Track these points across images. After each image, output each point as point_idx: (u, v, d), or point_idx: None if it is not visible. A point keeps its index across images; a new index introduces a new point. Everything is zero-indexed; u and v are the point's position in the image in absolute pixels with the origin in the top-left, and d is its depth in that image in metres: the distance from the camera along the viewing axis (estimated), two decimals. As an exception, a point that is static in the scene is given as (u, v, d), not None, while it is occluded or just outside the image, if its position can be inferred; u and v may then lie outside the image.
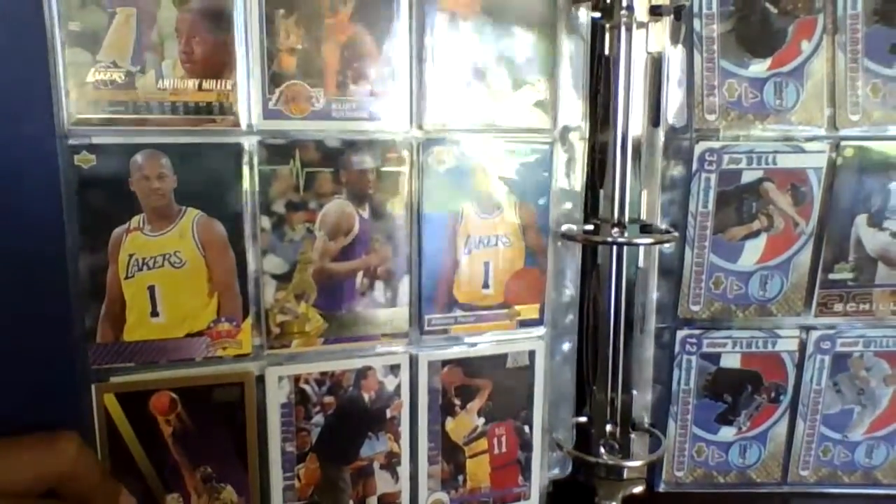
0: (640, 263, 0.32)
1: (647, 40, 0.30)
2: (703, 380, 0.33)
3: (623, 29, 0.29)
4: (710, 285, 0.32)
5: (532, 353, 0.31)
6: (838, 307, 0.33)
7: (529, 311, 0.30)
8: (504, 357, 0.30)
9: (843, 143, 0.30)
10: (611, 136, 0.30)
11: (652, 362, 0.33)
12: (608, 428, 0.33)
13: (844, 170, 0.31)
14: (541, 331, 0.30)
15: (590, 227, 0.31)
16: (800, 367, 0.33)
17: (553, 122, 0.29)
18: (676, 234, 0.31)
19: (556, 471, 0.33)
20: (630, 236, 0.30)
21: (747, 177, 0.31)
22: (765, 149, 0.30)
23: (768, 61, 0.30)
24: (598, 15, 0.29)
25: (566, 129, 0.30)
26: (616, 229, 0.30)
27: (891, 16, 0.30)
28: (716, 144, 0.30)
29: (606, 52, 0.30)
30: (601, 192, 0.32)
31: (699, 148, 0.30)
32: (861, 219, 0.31)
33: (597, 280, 0.33)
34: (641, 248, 0.32)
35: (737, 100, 0.30)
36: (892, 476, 0.34)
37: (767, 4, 0.30)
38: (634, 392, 0.33)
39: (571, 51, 0.29)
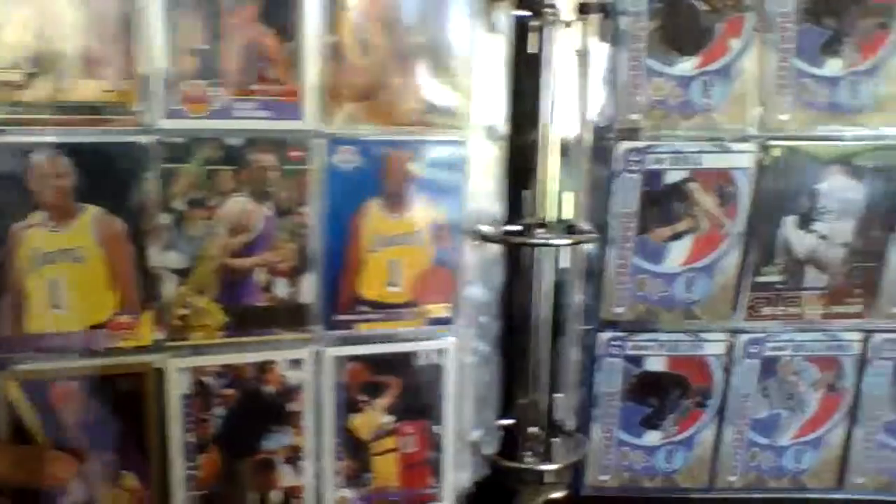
0: (565, 265, 0.39)
1: (573, 39, 0.35)
2: (628, 383, 0.40)
3: (549, 27, 0.34)
4: (634, 287, 0.38)
5: (442, 352, 0.38)
6: (767, 310, 0.39)
7: (439, 309, 0.36)
8: (413, 355, 0.37)
9: (770, 143, 0.36)
10: (535, 136, 0.36)
11: (576, 365, 0.40)
12: (532, 431, 0.41)
13: (772, 170, 0.36)
14: (451, 330, 0.37)
15: (511, 227, 0.37)
16: (727, 371, 0.40)
17: (466, 121, 0.35)
18: (595, 234, 0.37)
19: (471, 473, 0.40)
20: (547, 237, 0.36)
21: (672, 177, 0.36)
22: (690, 149, 0.36)
23: (695, 59, 0.35)
24: (523, 14, 0.35)
25: (481, 129, 0.36)
26: (541, 230, 0.37)
27: (821, 15, 0.36)
28: (639, 144, 0.36)
29: (531, 50, 0.35)
30: (525, 192, 0.38)
31: (622, 148, 0.36)
32: (789, 220, 0.37)
33: (519, 281, 0.39)
34: (566, 250, 0.38)
35: (662, 99, 0.36)
36: (819, 481, 0.41)
37: (695, 2, 0.35)
38: (558, 395, 0.40)
39: (490, 49, 0.35)
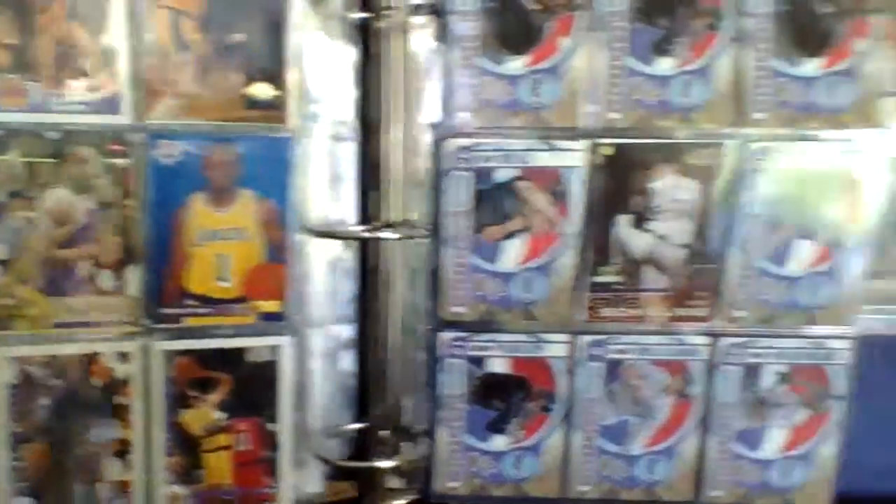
0: (410, 264, 0.41)
1: (408, 39, 0.38)
2: (472, 385, 0.42)
3: (387, 28, 0.37)
4: (472, 286, 0.40)
5: (276, 349, 0.40)
6: (607, 312, 0.40)
7: (271, 305, 0.39)
8: (244, 351, 0.39)
9: (601, 141, 0.39)
10: (378, 137, 0.39)
11: (422, 367, 0.42)
12: (381, 435, 0.43)
13: (603, 169, 0.38)
14: (284, 326, 0.39)
15: (352, 225, 0.40)
16: (570, 374, 0.41)
17: (293, 119, 0.37)
18: (423, 230, 0.39)
19: (319, 476, 0.43)
20: (373, 232, 0.39)
21: (502, 175, 0.39)
22: (519, 147, 0.39)
23: (525, 58, 0.38)
24: (363, 15, 0.38)
25: (327, 127, 0.39)
26: (386, 230, 0.39)
27: (653, 15, 0.38)
28: (468, 142, 0.38)
29: (370, 50, 0.38)
30: (372, 193, 0.40)
31: (452, 146, 0.39)
32: (623, 220, 0.39)
33: (368, 281, 0.42)
34: (412, 249, 0.40)
35: (492, 97, 0.38)
36: (675, 493, 0.42)
37: (525, 1, 0.38)
38: (402, 398, 0.42)
39: (324, 48, 0.38)
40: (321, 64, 0.38)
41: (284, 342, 0.39)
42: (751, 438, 0.41)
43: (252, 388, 0.39)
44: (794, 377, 0.40)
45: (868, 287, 0.39)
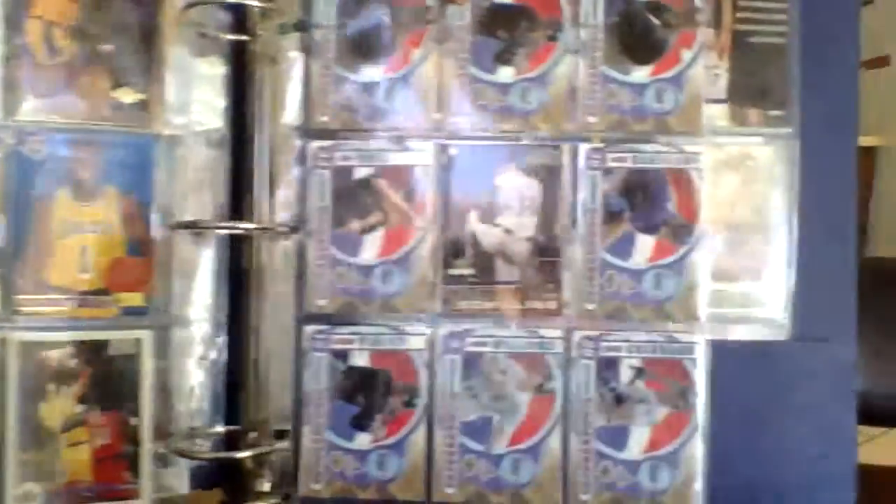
0: (275, 259, 0.43)
1: (276, 55, 0.42)
2: (336, 380, 0.42)
3: (257, 46, 0.42)
4: (334, 279, 0.42)
5: (138, 343, 0.41)
6: (464, 304, 0.41)
7: (133, 299, 0.41)
8: (105, 343, 0.40)
9: (449, 142, 0.41)
10: (246, 141, 0.42)
11: (288, 361, 0.43)
12: (252, 436, 0.43)
13: (451, 168, 0.41)
14: (147, 320, 0.41)
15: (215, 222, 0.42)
16: (430, 367, 0.42)
17: (158, 123, 0.41)
18: (287, 226, 0.41)
19: (185, 475, 0.42)
20: (234, 226, 0.41)
21: (359, 173, 0.42)
22: (374, 147, 0.42)
23: (381, 67, 0.42)
24: (237, 38, 0.42)
25: (183, 132, 0.42)
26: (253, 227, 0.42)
27: (495, 28, 0.42)
28: (328, 143, 0.42)
29: (243, 63, 0.42)
30: (244, 193, 0.43)
31: (313, 146, 0.42)
32: (473, 215, 0.41)
33: (238, 277, 0.43)
34: (278, 245, 0.42)
35: (350, 102, 0.42)
36: (543, 496, 0.41)
37: (382, 17, 0.42)
38: (272, 395, 0.43)
39: (196, 60, 0.42)
40: (194, 74, 0.42)
41: (146, 336, 0.41)
42: (614, 437, 0.41)
43: (113, 382, 0.40)
44: (651, 371, 0.41)
45: (722, 289, 0.41)
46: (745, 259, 0.41)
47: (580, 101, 0.41)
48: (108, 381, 0.40)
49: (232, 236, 0.43)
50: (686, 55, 0.41)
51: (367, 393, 0.42)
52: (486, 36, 0.41)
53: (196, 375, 0.43)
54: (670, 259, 0.40)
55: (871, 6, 2.31)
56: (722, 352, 0.41)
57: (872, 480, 0.67)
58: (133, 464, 0.40)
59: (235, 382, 0.43)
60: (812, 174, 0.41)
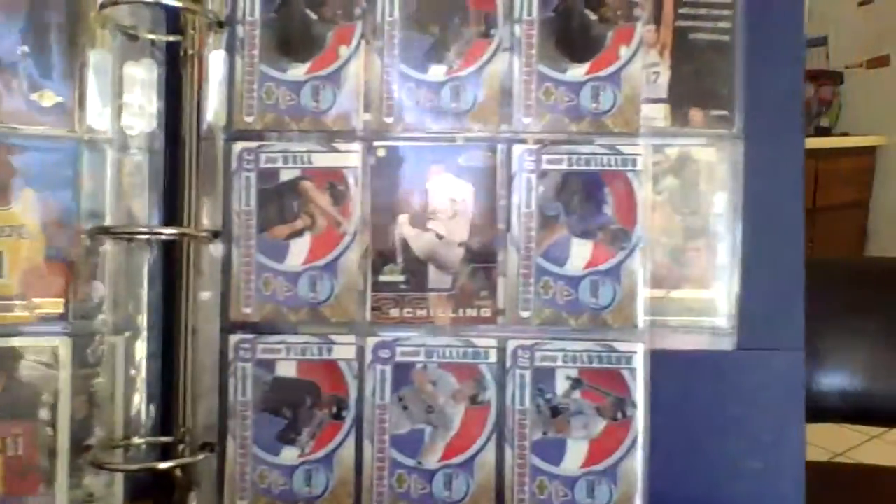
0: (204, 266, 0.42)
1: (205, 53, 0.41)
2: (261, 391, 0.41)
3: (187, 46, 0.41)
4: (260, 286, 0.41)
5: (55, 350, 0.40)
6: (394, 312, 0.40)
7: (51, 305, 0.39)
8: (20, 351, 0.39)
9: (377, 143, 0.40)
10: (178, 144, 0.41)
11: (213, 371, 0.41)
12: (181, 447, 0.41)
13: (380, 170, 0.40)
14: (66, 328, 0.39)
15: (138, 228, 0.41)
16: (360, 378, 0.40)
17: (79, 125, 0.40)
18: (209, 232, 0.40)
19: (103, 484, 0.41)
20: (154, 231, 0.40)
21: (285, 175, 0.40)
22: (300, 148, 0.40)
23: (306, 66, 0.41)
24: (169, 39, 0.41)
25: (113, 136, 0.41)
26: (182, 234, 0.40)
27: (426, 24, 0.41)
28: (252, 144, 0.40)
29: (174, 64, 0.41)
30: (176, 198, 0.42)
31: (237, 148, 0.41)
32: (403, 219, 0.40)
33: (171, 284, 0.42)
34: (208, 251, 0.41)
35: (274, 102, 0.41)
36: None
37: (308, 11, 0.41)
38: (201, 407, 0.41)
39: (111, 57, 0.41)
40: (125, 77, 0.41)
41: (64, 343, 0.39)
42: (550, 451, 0.39)
43: (28, 391, 0.39)
44: (588, 382, 0.39)
45: (665, 297, 0.40)
46: (688, 265, 0.40)
47: (515, 101, 0.39)
48: (23, 389, 0.39)
49: (165, 242, 0.43)
50: (624, 52, 0.39)
51: (293, 405, 0.40)
52: (416, 32, 0.40)
53: (130, 385, 0.42)
54: (608, 265, 0.39)
55: (871, 6, 2.43)
56: (663, 362, 0.39)
57: (872, 480, 0.67)
58: (49, 476, 0.39)
59: (168, 392, 0.42)
60: (757, 176, 0.39)
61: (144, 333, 0.42)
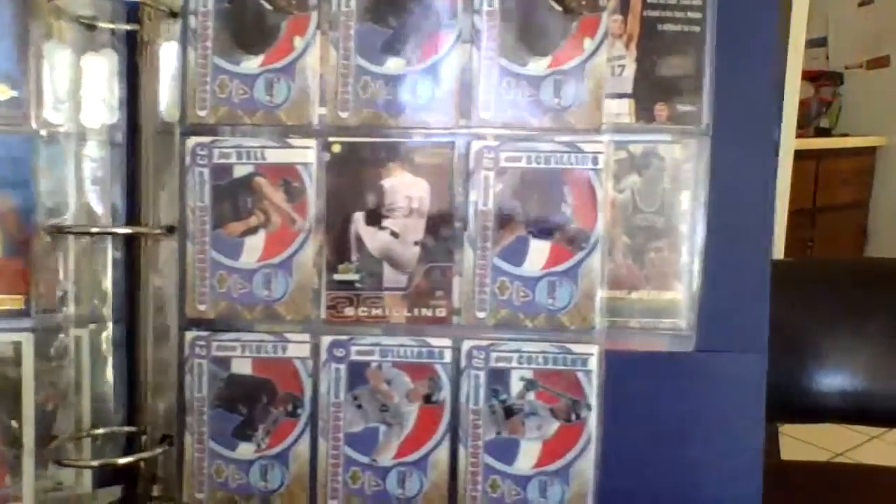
0: (163, 262, 0.42)
1: (159, 45, 0.41)
2: (217, 388, 0.41)
3: (144, 37, 0.40)
4: (214, 283, 0.40)
5: (17, 346, 0.40)
6: (349, 311, 0.40)
7: (12, 301, 0.40)
8: None
9: (332, 139, 0.39)
10: (136, 138, 0.41)
11: (174, 366, 0.42)
12: (144, 440, 0.42)
13: (335, 166, 0.39)
14: (27, 323, 0.40)
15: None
16: (315, 376, 0.40)
17: (36, 121, 0.39)
18: (163, 228, 0.39)
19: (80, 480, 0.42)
20: (107, 229, 0.40)
21: (239, 171, 0.40)
22: (254, 144, 0.40)
23: (260, 58, 0.40)
24: (126, 27, 0.40)
25: (70, 130, 0.40)
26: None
27: (383, 15, 0.40)
28: (206, 139, 0.40)
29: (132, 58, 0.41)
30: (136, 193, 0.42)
31: (191, 143, 0.40)
32: (358, 216, 0.39)
33: (128, 280, 0.42)
34: (164, 247, 0.41)
35: (228, 96, 0.40)
36: None
37: (262, 2, 0.40)
38: (152, 398, 0.42)
39: (69, 49, 0.40)
40: (84, 70, 0.41)
41: (26, 339, 0.40)
42: (503, 451, 0.39)
43: None
44: (542, 383, 0.39)
45: (621, 297, 0.39)
46: (649, 265, 0.39)
47: (474, 96, 0.38)
48: None
49: (127, 238, 0.43)
50: (589, 45, 0.38)
51: (249, 402, 0.40)
52: (374, 23, 0.39)
53: (97, 376, 0.42)
54: (565, 266, 0.38)
55: (871, 6, 2.39)
56: (622, 363, 0.38)
57: (872, 480, 0.67)
58: (15, 468, 0.40)
59: (129, 386, 0.43)
60: (724, 175, 0.38)
61: (110, 325, 0.43)
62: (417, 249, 0.39)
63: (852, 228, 2.36)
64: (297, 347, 0.40)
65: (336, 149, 0.39)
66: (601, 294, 0.38)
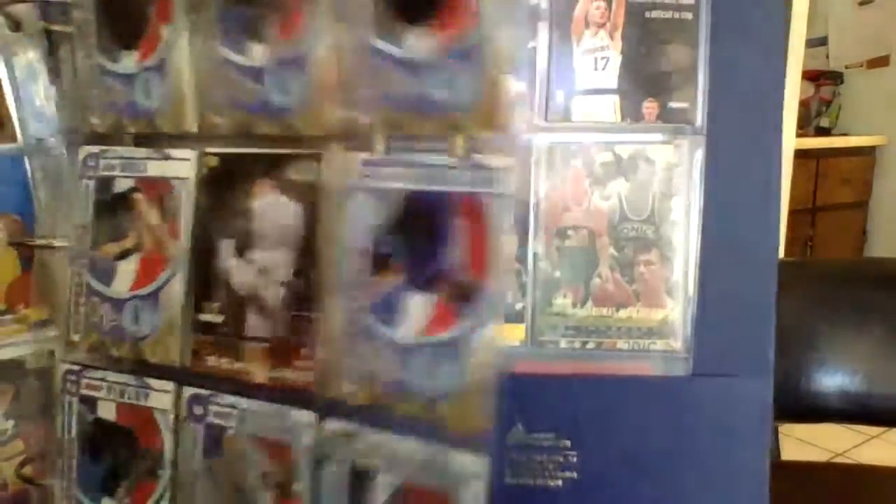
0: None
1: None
2: (84, 431, 0.36)
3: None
4: (89, 311, 0.36)
5: (52, 354, 0.39)
6: (212, 360, 0.33)
7: (39, 313, 0.39)
8: (22, 360, 0.39)
9: (209, 150, 0.33)
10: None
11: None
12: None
13: (207, 183, 0.33)
14: (55, 331, 0.38)
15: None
16: (175, 433, 0.33)
17: (21, 135, 0.38)
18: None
19: None
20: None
21: (119, 185, 0.35)
22: (138, 155, 0.35)
23: (135, 53, 0.34)
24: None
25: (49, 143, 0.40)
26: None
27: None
28: (95, 149, 0.36)
29: None
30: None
31: (83, 153, 0.36)
32: (227, 245, 0.32)
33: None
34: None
35: (113, 100, 0.36)
36: None
37: None
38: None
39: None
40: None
41: (59, 346, 0.38)
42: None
43: (38, 395, 0.39)
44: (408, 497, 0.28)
45: (611, 316, 0.29)
46: (638, 280, 0.30)
47: (347, 91, 0.30)
48: (33, 395, 0.39)
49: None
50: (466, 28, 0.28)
51: (112, 451, 0.36)
52: (235, 3, 0.32)
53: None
54: (446, 336, 0.28)
55: (871, 6, 2.29)
56: (608, 389, 0.30)
57: (872, 480, 0.65)
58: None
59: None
60: (721, 180, 0.29)
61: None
62: (283, 291, 0.31)
63: (852, 228, 2.37)
64: (159, 397, 0.35)
65: (212, 162, 0.33)
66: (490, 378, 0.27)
